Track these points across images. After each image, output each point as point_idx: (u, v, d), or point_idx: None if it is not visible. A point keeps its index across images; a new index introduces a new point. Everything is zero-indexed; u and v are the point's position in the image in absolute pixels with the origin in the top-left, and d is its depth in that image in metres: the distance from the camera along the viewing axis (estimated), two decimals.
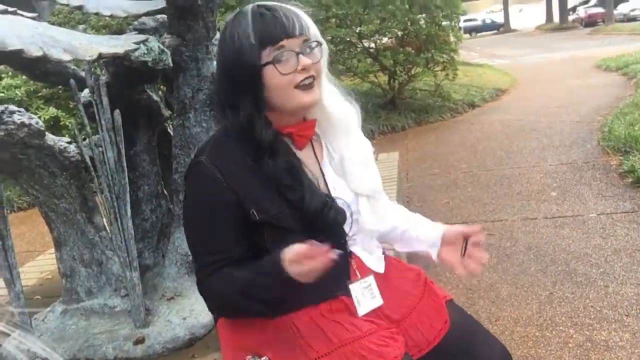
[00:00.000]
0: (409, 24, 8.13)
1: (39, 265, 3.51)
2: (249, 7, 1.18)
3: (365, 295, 1.23)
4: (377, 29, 8.27)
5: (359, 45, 8.67)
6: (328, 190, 1.24)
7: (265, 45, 1.13)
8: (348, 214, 1.22)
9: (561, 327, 2.59)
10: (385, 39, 8.79)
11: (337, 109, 1.28)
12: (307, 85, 1.16)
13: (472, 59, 15.82)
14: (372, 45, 8.70)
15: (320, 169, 1.25)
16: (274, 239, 1.15)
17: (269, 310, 1.14)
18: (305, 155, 1.24)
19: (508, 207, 4.33)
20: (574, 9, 33.95)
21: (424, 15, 8.33)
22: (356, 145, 1.30)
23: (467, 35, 29.22)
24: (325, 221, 1.17)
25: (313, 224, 1.16)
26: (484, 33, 35.96)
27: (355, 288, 1.22)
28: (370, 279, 1.25)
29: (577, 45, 18.52)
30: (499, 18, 38.73)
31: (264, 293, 1.10)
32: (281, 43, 1.13)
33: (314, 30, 1.19)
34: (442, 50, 8.39)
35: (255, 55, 1.13)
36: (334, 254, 1.05)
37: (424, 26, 8.20)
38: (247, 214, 1.14)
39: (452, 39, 8.72)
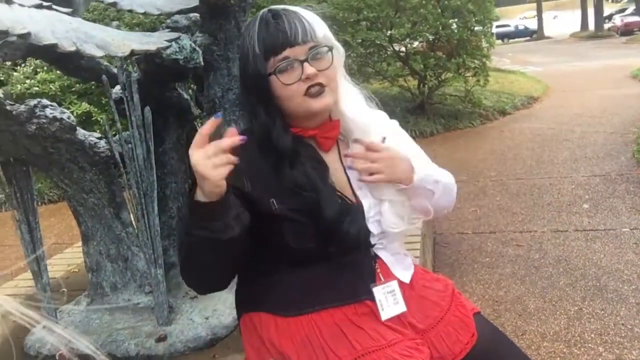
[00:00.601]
0: (440, 28, 8.04)
1: (67, 258, 3.56)
2: (259, 14, 1.18)
3: (388, 300, 1.21)
4: (408, 32, 8.20)
5: (389, 49, 8.61)
6: (354, 193, 1.22)
7: (269, 56, 1.13)
8: (368, 220, 1.21)
9: (590, 345, 2.51)
10: (416, 43, 8.71)
11: (358, 116, 1.25)
12: (315, 93, 1.14)
13: (503, 65, 15.60)
14: (403, 49, 8.63)
15: (345, 172, 1.24)
16: (294, 232, 1.15)
17: (214, 234, 1.03)
18: (330, 158, 1.23)
19: (538, 218, 4.24)
20: (610, 17, 33.29)
21: (456, 19, 8.23)
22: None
23: (499, 41, 28.83)
24: (339, 232, 1.15)
25: (326, 231, 1.14)
26: (516, 39, 35.43)
27: (378, 291, 1.20)
28: (394, 284, 1.23)
29: (613, 54, 18.12)
30: (533, 24, 38.13)
31: (192, 220, 1.04)
32: (284, 53, 1.12)
33: (323, 34, 1.16)
34: (474, 56, 8.28)
35: (261, 65, 1.14)
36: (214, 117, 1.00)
37: (455, 31, 8.10)
38: (263, 206, 1.14)
39: (484, 44, 8.59)
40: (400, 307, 1.21)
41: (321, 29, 1.16)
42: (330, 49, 1.17)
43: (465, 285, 3.22)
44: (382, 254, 1.25)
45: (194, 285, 1.21)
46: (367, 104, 1.29)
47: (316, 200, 1.14)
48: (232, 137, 0.98)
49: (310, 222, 1.14)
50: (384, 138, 1.26)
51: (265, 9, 1.18)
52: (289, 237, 1.15)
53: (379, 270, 1.23)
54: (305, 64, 1.13)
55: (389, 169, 1.20)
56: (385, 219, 1.24)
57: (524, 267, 3.40)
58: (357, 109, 1.25)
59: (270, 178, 1.16)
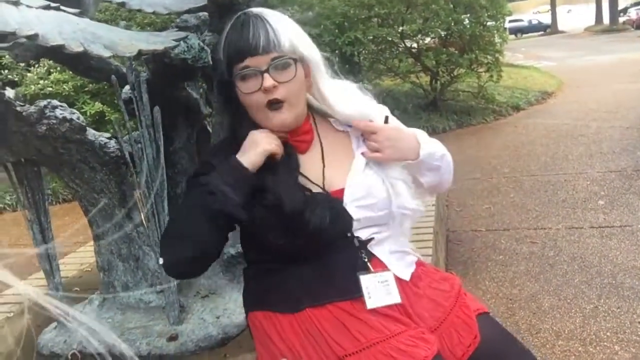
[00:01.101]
0: (452, 23, 7.98)
1: (80, 257, 3.58)
2: (237, 16, 1.18)
3: (378, 290, 1.17)
4: (420, 28, 8.16)
5: (400, 45, 8.57)
6: (323, 184, 1.21)
7: (232, 63, 1.15)
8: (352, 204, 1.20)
9: (606, 343, 2.48)
10: (428, 39, 8.67)
11: (354, 110, 1.25)
12: (274, 106, 1.15)
13: (517, 60, 15.46)
14: (415, 45, 8.59)
15: (323, 170, 1.22)
16: (269, 230, 1.17)
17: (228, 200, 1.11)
18: (308, 158, 1.23)
19: (552, 215, 4.19)
20: (624, 11, 32.82)
21: (468, 15, 8.17)
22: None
23: (513, 36, 28.61)
24: (300, 223, 1.13)
25: (293, 224, 1.13)
26: (530, 34, 35.13)
27: (366, 279, 1.17)
28: (389, 275, 1.20)
29: (628, 48, 17.86)
30: (546, 19, 37.77)
31: (222, 178, 1.12)
32: (246, 62, 1.13)
33: (289, 44, 1.14)
34: (487, 51, 8.22)
35: (226, 69, 1.16)
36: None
37: (468, 26, 8.05)
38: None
39: (496, 39, 8.53)
40: (392, 298, 1.18)
41: (288, 38, 1.14)
42: (295, 60, 1.15)
43: (479, 283, 3.19)
44: (377, 250, 1.22)
45: (172, 255, 1.17)
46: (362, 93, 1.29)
47: (278, 194, 1.14)
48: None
49: (280, 223, 1.14)
50: (387, 117, 1.27)
51: (243, 12, 1.18)
52: (268, 235, 1.17)
53: (371, 264, 1.20)
54: (265, 74, 1.12)
55: (391, 147, 1.22)
56: (403, 199, 1.22)
57: (539, 264, 3.36)
58: (350, 103, 1.25)
59: None
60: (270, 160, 1.17)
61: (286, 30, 1.15)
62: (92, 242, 2.55)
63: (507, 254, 3.58)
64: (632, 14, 30.68)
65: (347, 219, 1.18)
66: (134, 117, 2.10)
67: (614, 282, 3.03)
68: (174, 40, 1.67)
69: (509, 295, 3.03)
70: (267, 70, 1.12)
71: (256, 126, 1.19)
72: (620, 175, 4.96)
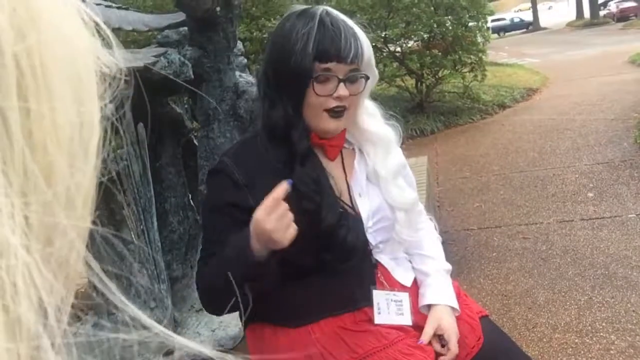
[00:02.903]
0: (434, 26, 8.03)
1: None
2: (317, 11, 1.15)
3: (390, 307, 1.19)
4: (403, 32, 8.20)
5: (384, 50, 8.61)
6: (351, 202, 1.22)
7: (316, 59, 1.12)
8: (367, 230, 1.21)
9: (602, 334, 2.49)
10: (411, 43, 8.71)
11: (377, 128, 1.27)
12: (336, 113, 1.15)
13: (501, 58, 15.57)
14: (398, 49, 8.63)
15: (347, 180, 1.24)
16: (292, 247, 1.11)
17: (253, 292, 1.02)
18: (334, 167, 1.24)
19: (543, 210, 4.21)
20: (605, 4, 33.18)
21: (449, 16, 8.23)
22: (395, 163, 1.28)
23: (496, 35, 28.82)
24: (335, 240, 1.14)
25: (324, 238, 1.14)
26: (512, 32, 35.39)
27: (378, 295, 1.19)
28: (404, 295, 1.21)
29: (610, 41, 18.05)
30: (528, 16, 38.09)
31: (236, 268, 1.02)
32: (330, 65, 1.12)
33: (368, 60, 1.16)
34: (470, 52, 8.26)
35: (307, 64, 1.12)
36: (287, 184, 1.03)
37: (450, 28, 8.09)
38: None
39: (479, 39, 8.58)
40: (404, 320, 1.19)
41: (367, 54, 1.16)
42: (367, 78, 1.18)
43: (474, 281, 3.20)
44: (380, 257, 1.24)
45: (215, 309, 1.21)
46: (386, 120, 1.32)
47: (318, 205, 1.13)
48: (283, 187, 1.01)
49: (308, 233, 1.10)
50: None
51: (322, 9, 1.16)
52: (287, 252, 1.11)
53: (379, 275, 1.22)
54: (342, 84, 1.13)
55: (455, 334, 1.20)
56: (400, 228, 1.24)
57: (532, 259, 3.38)
58: (372, 121, 1.27)
59: (272, 186, 1.11)
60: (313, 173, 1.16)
61: (368, 45, 1.17)
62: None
63: (500, 250, 3.60)
64: (612, 7, 31.02)
65: (366, 240, 1.21)
66: (118, 134, 2.10)
67: (606, 272, 3.05)
68: (153, 56, 1.67)
69: (504, 292, 3.04)
70: (344, 80, 1.14)
71: (302, 123, 1.17)
72: (607, 166, 5.00)
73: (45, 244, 0.28)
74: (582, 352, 2.38)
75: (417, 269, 1.32)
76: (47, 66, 0.26)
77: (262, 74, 1.24)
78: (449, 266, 1.34)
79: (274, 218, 0.99)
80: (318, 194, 1.14)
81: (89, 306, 2.54)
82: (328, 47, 1.11)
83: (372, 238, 1.22)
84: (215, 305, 1.18)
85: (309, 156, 1.17)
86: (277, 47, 1.18)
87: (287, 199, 1.05)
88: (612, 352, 2.34)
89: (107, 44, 0.33)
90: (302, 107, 1.15)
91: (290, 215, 1.01)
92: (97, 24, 0.31)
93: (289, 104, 1.15)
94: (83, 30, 0.30)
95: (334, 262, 1.15)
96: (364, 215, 1.22)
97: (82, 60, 0.29)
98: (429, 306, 1.24)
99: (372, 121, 1.27)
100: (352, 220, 1.18)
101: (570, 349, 2.42)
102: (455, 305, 1.25)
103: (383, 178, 1.25)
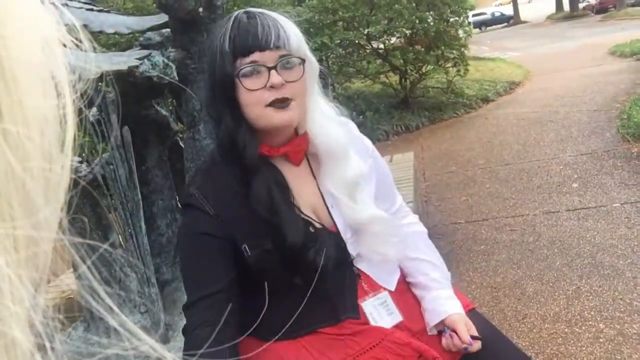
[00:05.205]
0: (416, 22, 8.07)
1: (61, 284, 3.52)
2: (234, 13, 1.09)
3: (381, 312, 1.17)
4: (385, 29, 8.23)
5: (367, 47, 8.64)
6: (328, 210, 1.17)
7: (237, 56, 1.05)
8: (347, 241, 1.16)
9: (591, 322, 2.52)
10: (394, 39, 8.74)
11: (331, 132, 1.15)
12: (280, 105, 1.05)
13: (483, 53, 15.67)
14: (381, 46, 8.66)
15: (319, 189, 1.17)
16: (268, 276, 1.10)
17: None
18: (301, 173, 1.17)
19: (529, 202, 4.25)
20: None
21: (431, 12, 8.27)
22: (354, 167, 1.18)
23: (477, 30, 29.01)
24: (305, 262, 1.08)
25: (293, 265, 1.09)
26: (493, 26, 35.65)
27: (367, 305, 1.16)
28: (385, 295, 1.20)
29: (590, 33, 18.26)
30: (508, 10, 38.39)
31: None
32: (253, 57, 1.04)
33: (297, 45, 1.08)
34: (452, 47, 8.31)
35: (228, 64, 1.05)
36: None
37: (432, 23, 8.13)
38: (237, 250, 1.08)
39: (461, 34, 8.64)
40: (395, 317, 1.18)
41: (296, 39, 1.07)
42: (303, 61, 1.09)
43: (463, 274, 3.22)
44: (361, 265, 1.20)
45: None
46: (339, 120, 1.21)
47: (278, 226, 1.06)
48: None
49: (275, 255, 1.08)
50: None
51: (242, 10, 1.10)
52: (266, 280, 1.09)
53: (365, 286, 1.19)
54: (273, 71, 1.04)
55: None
56: (370, 240, 1.19)
57: (519, 251, 3.41)
58: (327, 125, 1.16)
59: (241, 213, 1.09)
60: (267, 191, 1.08)
61: (295, 30, 1.09)
62: (72, 268, 2.51)
63: (488, 243, 3.62)
64: None
65: (348, 254, 1.16)
66: (104, 138, 2.09)
67: (593, 262, 3.08)
68: (137, 59, 1.66)
69: (493, 284, 3.06)
70: (274, 67, 1.04)
71: (254, 130, 1.09)
72: (591, 157, 5.06)
73: (26, 256, 0.27)
74: (572, 341, 2.41)
75: (422, 276, 1.27)
76: (13, 59, 0.26)
77: (207, 96, 1.16)
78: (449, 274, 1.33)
79: None
80: (274, 212, 1.07)
81: (80, 311, 2.52)
82: (244, 39, 1.04)
83: (352, 249, 1.17)
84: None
85: (261, 168, 1.09)
86: (208, 62, 1.12)
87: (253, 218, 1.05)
88: (601, 340, 2.37)
89: (78, 39, 0.32)
90: (242, 114, 1.07)
91: None
92: (61, 12, 0.30)
93: (228, 115, 1.07)
94: (50, 21, 0.29)
95: (305, 287, 1.09)
96: (340, 226, 1.16)
97: (51, 53, 0.29)
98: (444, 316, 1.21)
99: (325, 122, 1.16)
100: (323, 237, 1.12)
101: (560, 339, 2.44)
102: (455, 306, 1.24)
103: (337, 199, 1.16)
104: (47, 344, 0.28)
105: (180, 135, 2.65)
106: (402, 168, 4.52)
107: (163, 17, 2.30)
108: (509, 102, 9.01)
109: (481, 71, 11.07)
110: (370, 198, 1.19)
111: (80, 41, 0.33)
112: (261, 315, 1.09)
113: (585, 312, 2.61)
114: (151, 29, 2.32)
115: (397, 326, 1.18)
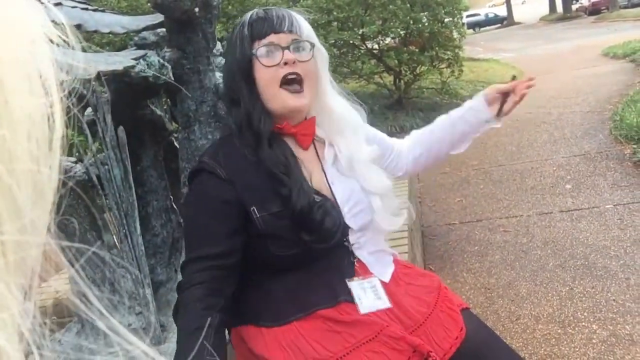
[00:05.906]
0: (411, 22, 8.08)
1: (55, 285, 3.50)
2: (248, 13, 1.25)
3: (367, 294, 1.20)
4: (380, 29, 8.23)
5: (362, 47, 8.64)
6: (331, 191, 1.23)
7: (254, 39, 1.19)
8: (345, 216, 1.22)
9: (584, 323, 2.54)
10: (388, 40, 8.75)
11: (342, 109, 1.30)
12: (292, 85, 1.18)
13: (477, 54, 15.73)
14: (376, 46, 8.66)
15: (323, 168, 1.26)
16: (276, 241, 1.16)
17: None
18: (307, 155, 1.26)
19: (522, 203, 4.27)
20: None
21: (425, 13, 8.28)
22: (364, 145, 1.31)
23: (471, 31, 29.10)
24: (312, 222, 1.15)
25: (301, 223, 1.15)
26: (487, 27, 35.80)
27: (355, 286, 1.20)
28: (375, 280, 1.23)
29: (583, 34, 18.36)
30: (502, 11, 38.56)
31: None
32: (269, 38, 1.18)
33: (308, 32, 1.23)
34: (446, 47, 8.33)
35: (247, 46, 1.19)
36: None
37: (426, 24, 8.14)
38: (246, 212, 1.15)
39: (455, 35, 8.66)
40: (383, 303, 1.20)
41: (306, 28, 1.23)
42: (312, 45, 1.22)
43: (457, 275, 3.23)
44: (359, 253, 1.25)
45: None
46: (351, 103, 1.34)
47: (288, 188, 1.15)
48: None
49: (286, 223, 1.15)
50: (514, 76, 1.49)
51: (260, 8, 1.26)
52: (272, 246, 1.16)
53: (358, 270, 1.23)
54: (286, 50, 1.18)
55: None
56: (378, 215, 1.25)
57: (513, 252, 3.42)
58: (344, 106, 1.31)
59: (252, 179, 1.17)
60: (285, 158, 1.19)
61: (305, 22, 1.24)
62: (65, 269, 2.50)
63: (481, 244, 3.64)
64: (584, 0, 31.53)
65: (345, 227, 1.22)
66: (99, 138, 2.08)
67: (586, 263, 3.10)
68: (132, 59, 1.66)
69: (487, 285, 3.08)
70: (288, 47, 1.18)
71: (269, 112, 1.20)
72: (584, 158, 5.08)
73: (14, 261, 0.26)
74: (565, 342, 2.42)
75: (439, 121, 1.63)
76: None
77: (224, 82, 1.32)
78: None
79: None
80: (287, 175, 1.16)
81: (72, 313, 2.51)
82: (261, 24, 1.19)
83: (352, 223, 1.22)
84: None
85: (276, 140, 1.21)
86: (228, 51, 1.27)
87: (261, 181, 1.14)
88: (594, 341, 2.39)
89: (65, 36, 0.32)
90: (258, 92, 1.20)
91: None
92: (48, 9, 0.30)
93: (246, 93, 1.20)
94: (36, 18, 0.29)
95: (313, 243, 1.15)
96: (339, 200, 1.23)
97: (38, 50, 0.28)
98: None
99: (336, 100, 1.30)
100: (328, 205, 1.20)
101: (553, 340, 2.46)
102: None
103: (361, 163, 1.27)
104: (35, 351, 0.27)
105: (175, 136, 2.64)
106: None
107: (158, 17, 2.29)
108: None
109: (475, 72, 11.11)
110: (377, 172, 1.30)
111: (68, 38, 0.32)
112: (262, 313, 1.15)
113: (579, 313, 2.63)
114: (146, 28, 2.31)
115: (389, 317, 1.19)
